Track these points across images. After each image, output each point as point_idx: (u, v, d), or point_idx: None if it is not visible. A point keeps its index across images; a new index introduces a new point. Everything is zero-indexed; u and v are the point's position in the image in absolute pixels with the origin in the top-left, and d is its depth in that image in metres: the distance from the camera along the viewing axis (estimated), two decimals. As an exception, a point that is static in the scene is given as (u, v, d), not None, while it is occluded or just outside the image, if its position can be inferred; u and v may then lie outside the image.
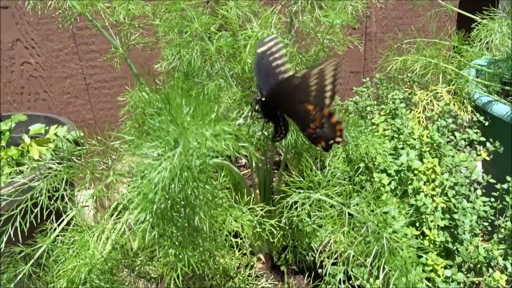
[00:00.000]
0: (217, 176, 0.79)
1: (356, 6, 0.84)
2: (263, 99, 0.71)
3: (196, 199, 0.51)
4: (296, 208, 0.72)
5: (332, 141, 0.71)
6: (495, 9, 1.22)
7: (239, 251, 1.03)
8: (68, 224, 0.77)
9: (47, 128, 1.24)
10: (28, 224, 0.67)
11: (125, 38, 1.05)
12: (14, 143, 1.20)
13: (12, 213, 0.66)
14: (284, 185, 0.88)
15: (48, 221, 0.73)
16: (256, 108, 0.72)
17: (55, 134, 1.19)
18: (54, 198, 0.67)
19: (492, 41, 1.18)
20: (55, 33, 1.50)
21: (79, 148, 0.65)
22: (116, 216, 0.78)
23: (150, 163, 0.43)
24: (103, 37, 1.00)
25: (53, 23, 1.49)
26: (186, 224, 0.55)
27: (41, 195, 0.63)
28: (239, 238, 0.88)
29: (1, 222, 0.66)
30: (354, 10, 0.85)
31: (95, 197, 0.68)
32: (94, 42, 1.53)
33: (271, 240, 0.83)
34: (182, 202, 0.51)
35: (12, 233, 0.70)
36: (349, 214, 0.70)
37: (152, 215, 0.49)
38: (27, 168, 0.92)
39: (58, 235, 0.76)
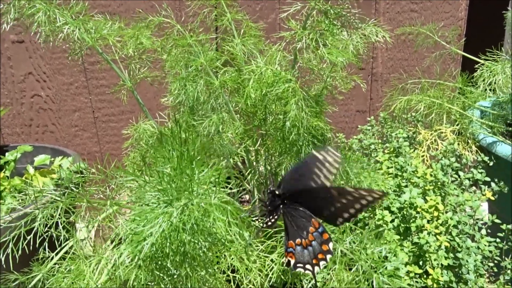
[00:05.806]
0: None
1: (356, 45, 0.86)
2: (277, 192, 0.70)
3: (189, 249, 0.49)
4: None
5: (301, 266, 0.66)
6: (499, 52, 1.24)
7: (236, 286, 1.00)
8: (67, 253, 0.76)
9: (52, 159, 1.25)
10: (21, 252, 0.66)
11: (134, 72, 1.07)
12: (19, 174, 1.21)
13: (5, 239, 0.66)
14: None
15: (41, 249, 0.73)
16: (264, 197, 0.71)
17: (59, 165, 1.20)
18: (50, 226, 0.66)
19: (495, 82, 1.19)
20: (67, 67, 1.54)
21: (77, 176, 0.65)
22: (114, 246, 0.77)
23: (146, 214, 0.42)
24: (113, 72, 1.02)
25: (66, 58, 1.53)
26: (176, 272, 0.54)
27: (37, 222, 0.62)
28: (237, 273, 0.86)
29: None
30: (355, 49, 0.86)
31: (93, 227, 0.68)
32: (104, 77, 1.57)
33: (271, 276, 0.81)
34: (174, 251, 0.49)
35: (9, 260, 0.69)
36: (341, 252, 0.68)
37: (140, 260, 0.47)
38: (27, 198, 0.92)
39: (55, 264, 0.75)
